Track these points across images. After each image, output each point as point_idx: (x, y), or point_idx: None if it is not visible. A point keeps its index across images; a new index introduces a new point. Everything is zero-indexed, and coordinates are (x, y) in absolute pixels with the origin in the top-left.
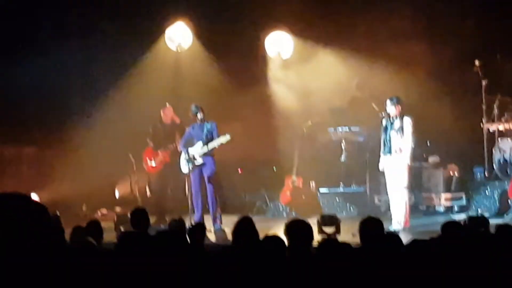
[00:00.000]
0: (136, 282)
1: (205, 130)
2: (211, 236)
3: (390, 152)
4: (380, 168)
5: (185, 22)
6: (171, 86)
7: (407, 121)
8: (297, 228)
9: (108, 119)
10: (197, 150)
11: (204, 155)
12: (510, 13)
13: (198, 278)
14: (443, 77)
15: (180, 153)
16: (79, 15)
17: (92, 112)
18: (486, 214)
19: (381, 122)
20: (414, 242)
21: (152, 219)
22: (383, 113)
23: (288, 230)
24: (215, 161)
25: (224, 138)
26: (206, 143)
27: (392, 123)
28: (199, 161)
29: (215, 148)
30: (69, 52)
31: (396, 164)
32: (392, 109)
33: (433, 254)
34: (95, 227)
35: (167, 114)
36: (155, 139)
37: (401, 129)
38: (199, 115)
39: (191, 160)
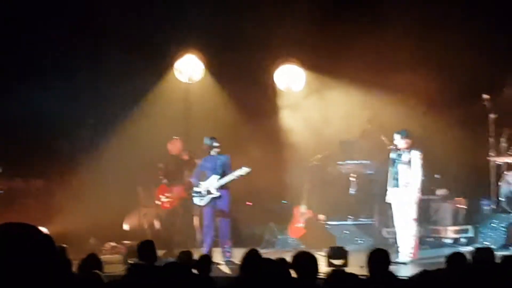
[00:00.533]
0: None
1: (219, 163)
2: (221, 268)
3: (398, 185)
4: (387, 200)
5: (196, 55)
6: (181, 118)
7: (416, 155)
8: (304, 260)
9: (117, 152)
10: (213, 183)
11: (221, 188)
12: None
13: None
14: (451, 110)
15: (191, 187)
16: (88, 47)
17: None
18: (493, 247)
19: (389, 155)
20: (424, 273)
21: (161, 252)
22: (392, 146)
23: (295, 262)
24: (230, 194)
25: (244, 171)
26: (221, 176)
27: (400, 156)
28: (215, 194)
29: (232, 180)
30: (79, 84)
31: (404, 197)
32: (400, 142)
33: (440, 285)
34: (94, 260)
35: (175, 146)
36: (168, 174)
37: (410, 162)
38: (215, 147)
39: (206, 193)
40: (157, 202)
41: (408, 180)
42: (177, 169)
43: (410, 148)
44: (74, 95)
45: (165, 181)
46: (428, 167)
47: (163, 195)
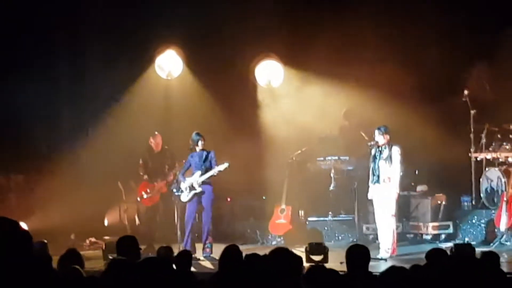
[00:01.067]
0: None
1: (203, 158)
2: (202, 264)
3: (378, 181)
4: (369, 197)
5: (175, 51)
6: (160, 114)
7: (396, 150)
8: (281, 256)
9: (98, 147)
10: (196, 178)
11: (203, 183)
12: (498, 44)
13: None
14: (432, 106)
15: (171, 183)
16: (69, 42)
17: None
18: (473, 243)
19: (370, 151)
20: (391, 269)
21: (141, 248)
22: (372, 142)
23: (272, 257)
24: (213, 190)
25: (223, 166)
26: (204, 171)
27: (380, 152)
28: (198, 189)
29: (213, 176)
30: (58, 80)
31: (384, 193)
32: (380, 138)
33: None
34: (74, 255)
35: (157, 141)
36: (148, 170)
37: (390, 158)
38: (200, 143)
39: (189, 189)
40: (138, 198)
41: (388, 175)
42: (158, 164)
43: (389, 144)
44: (54, 90)
45: (145, 177)
46: (409, 163)
47: (145, 191)
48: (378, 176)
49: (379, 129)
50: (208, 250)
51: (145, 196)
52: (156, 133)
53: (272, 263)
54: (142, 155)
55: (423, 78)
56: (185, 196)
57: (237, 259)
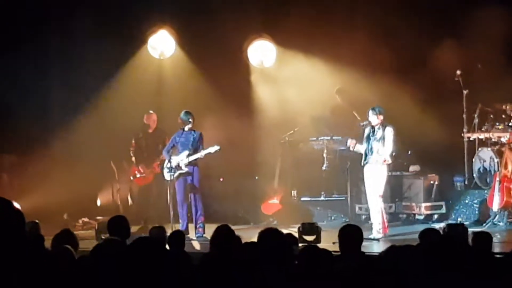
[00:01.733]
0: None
1: (191, 139)
2: (194, 245)
3: (370, 161)
4: (363, 177)
5: (168, 31)
6: (153, 94)
7: (389, 131)
8: (270, 236)
9: (89, 127)
10: (183, 158)
11: (190, 164)
12: (491, 24)
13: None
14: (424, 86)
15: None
16: (60, 22)
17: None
18: (466, 223)
19: (363, 131)
20: (391, 248)
21: (134, 228)
22: (364, 122)
23: (261, 238)
24: (199, 171)
25: (213, 148)
26: (192, 152)
27: (374, 133)
28: (184, 169)
29: (200, 158)
30: (50, 59)
31: (375, 173)
32: (374, 118)
33: (410, 261)
34: (68, 235)
35: (153, 120)
36: (140, 150)
37: (383, 138)
38: (190, 123)
39: (175, 168)
40: (131, 177)
41: (380, 156)
42: (152, 144)
43: (383, 124)
44: (47, 69)
45: (133, 159)
46: (402, 143)
47: (138, 171)
48: (371, 156)
49: (373, 109)
50: (200, 230)
51: (138, 175)
52: (151, 111)
53: (262, 244)
54: (135, 135)
55: (418, 58)
56: (168, 175)
57: (229, 239)
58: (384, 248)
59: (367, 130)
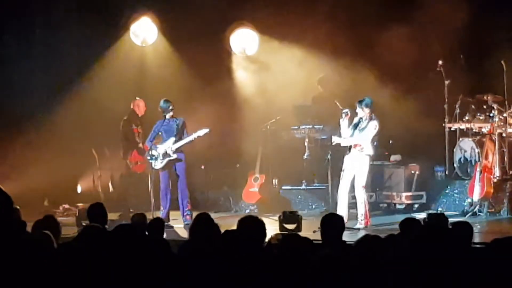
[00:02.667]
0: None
1: (174, 126)
2: (178, 232)
3: (351, 151)
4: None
5: (150, 18)
6: (135, 81)
7: (372, 124)
8: (250, 224)
9: (71, 114)
10: (170, 145)
11: (177, 150)
12: (473, 14)
13: (154, 271)
14: (406, 76)
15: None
16: (42, 8)
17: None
18: (446, 213)
19: (341, 119)
20: (365, 237)
21: (115, 215)
22: (346, 110)
23: (240, 226)
24: (185, 158)
25: (202, 132)
26: (178, 138)
27: (359, 124)
28: (173, 156)
29: (187, 143)
30: (32, 45)
31: (356, 164)
32: (359, 111)
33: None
34: (51, 221)
35: (141, 106)
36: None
37: (364, 130)
38: (171, 110)
39: (163, 156)
40: (131, 164)
41: (361, 147)
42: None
43: (370, 117)
44: (29, 56)
45: (140, 145)
46: (383, 133)
47: (140, 160)
48: (351, 146)
49: (359, 102)
50: (188, 217)
51: (139, 163)
52: (138, 98)
53: (240, 231)
54: (134, 122)
55: (399, 48)
56: (158, 163)
57: (208, 227)
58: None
59: (355, 120)
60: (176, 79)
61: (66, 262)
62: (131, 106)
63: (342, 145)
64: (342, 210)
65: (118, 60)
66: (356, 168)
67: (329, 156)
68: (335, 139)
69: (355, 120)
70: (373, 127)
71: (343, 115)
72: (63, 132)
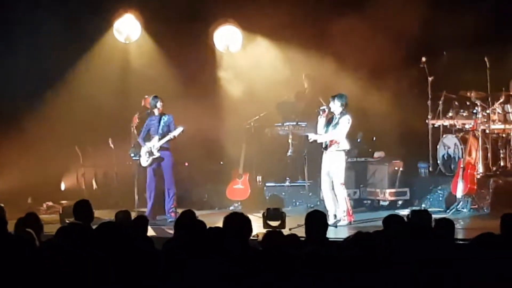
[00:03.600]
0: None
1: (161, 123)
2: (165, 229)
3: (327, 148)
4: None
5: (134, 15)
6: (118, 78)
7: (345, 119)
8: (235, 221)
9: (54, 112)
10: (154, 144)
11: (161, 149)
12: (457, 10)
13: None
14: (389, 72)
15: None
16: (26, 6)
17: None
18: (430, 209)
19: (318, 116)
20: (358, 234)
21: (99, 212)
22: (324, 107)
23: (226, 223)
24: (172, 155)
25: (177, 131)
26: (161, 136)
27: (332, 120)
28: (156, 154)
29: (171, 140)
30: (15, 43)
31: (332, 161)
32: (332, 106)
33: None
34: (34, 219)
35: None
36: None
37: (337, 125)
38: (159, 106)
39: (148, 154)
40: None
41: (338, 144)
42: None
43: (342, 112)
44: (11, 53)
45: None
46: (366, 129)
47: None
48: (326, 144)
49: (332, 98)
50: (173, 214)
51: None
52: (146, 96)
53: (225, 228)
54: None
55: (383, 45)
56: (144, 161)
57: (193, 224)
58: (348, 234)
59: (332, 118)
60: (160, 76)
61: (48, 260)
62: (142, 104)
63: (318, 141)
64: (329, 206)
65: (102, 57)
66: (332, 167)
67: (305, 154)
68: (312, 136)
69: (332, 117)
70: (346, 121)
71: (321, 112)
72: (47, 130)
